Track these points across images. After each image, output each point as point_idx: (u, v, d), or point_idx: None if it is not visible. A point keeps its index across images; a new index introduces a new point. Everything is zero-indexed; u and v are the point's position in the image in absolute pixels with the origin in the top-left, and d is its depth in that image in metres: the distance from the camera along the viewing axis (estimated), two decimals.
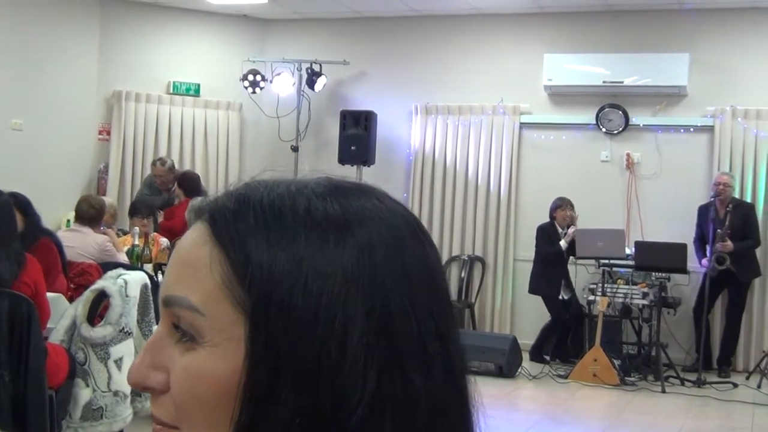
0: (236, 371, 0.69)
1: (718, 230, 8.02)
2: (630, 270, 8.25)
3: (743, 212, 8.23)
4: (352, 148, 9.60)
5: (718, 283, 8.16)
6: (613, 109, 9.18)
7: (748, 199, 8.71)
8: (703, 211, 8.45)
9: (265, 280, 0.70)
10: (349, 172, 9.61)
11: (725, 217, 8.13)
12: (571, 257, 8.54)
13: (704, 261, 8.25)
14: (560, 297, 8.53)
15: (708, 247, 8.12)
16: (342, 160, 9.71)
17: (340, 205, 0.73)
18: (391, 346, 0.70)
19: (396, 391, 0.70)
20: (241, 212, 0.73)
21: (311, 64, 9.90)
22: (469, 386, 0.79)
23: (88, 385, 4.27)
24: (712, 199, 8.24)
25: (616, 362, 7.81)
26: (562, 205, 8.63)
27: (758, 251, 8.55)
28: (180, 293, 0.72)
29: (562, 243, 8.45)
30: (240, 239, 0.71)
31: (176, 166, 9.11)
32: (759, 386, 7.74)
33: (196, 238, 0.74)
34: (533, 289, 8.72)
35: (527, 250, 9.20)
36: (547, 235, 8.60)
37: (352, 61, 9.99)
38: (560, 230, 8.59)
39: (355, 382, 0.69)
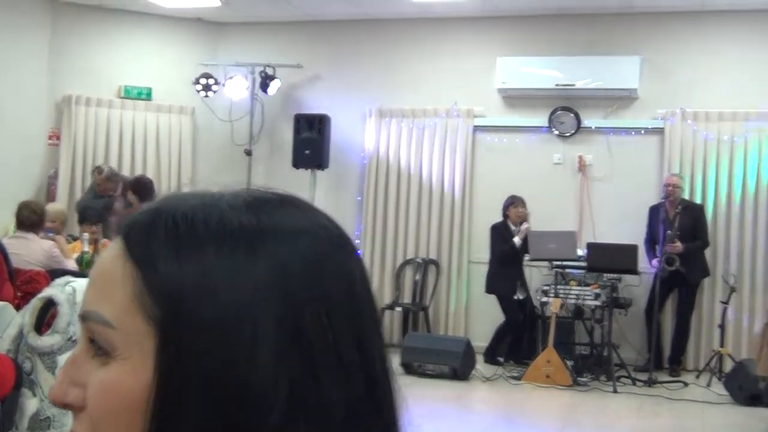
0: (147, 385, 0.69)
1: (669, 231, 8.13)
2: (582, 271, 8.32)
3: (693, 213, 8.35)
4: (306, 151, 9.59)
5: (668, 283, 8.28)
6: (565, 112, 9.27)
7: (698, 201, 8.83)
8: (654, 212, 8.57)
9: (174, 292, 0.69)
10: (303, 176, 9.67)
11: (675, 218, 8.25)
12: (525, 255, 8.59)
13: (654, 262, 8.36)
14: (516, 297, 8.59)
15: (658, 248, 8.23)
16: (296, 164, 9.70)
17: (255, 217, 0.73)
18: (305, 357, 0.70)
19: (310, 402, 0.69)
20: (153, 226, 0.72)
21: (264, 68, 9.87)
22: (395, 395, 0.77)
23: (35, 395, 4.20)
24: (663, 200, 8.36)
25: (569, 363, 7.87)
26: (514, 202, 8.69)
27: (707, 252, 8.70)
28: (93, 308, 0.72)
29: (516, 240, 8.51)
30: (150, 253, 0.71)
31: (129, 172, 9.04)
32: (709, 385, 7.85)
33: (112, 253, 0.74)
34: (489, 289, 8.76)
35: (481, 252, 9.25)
36: (500, 233, 8.66)
37: (306, 64, 9.98)
38: (513, 228, 8.66)
39: (266, 394, 0.68)
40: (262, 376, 0.68)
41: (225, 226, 0.72)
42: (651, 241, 8.54)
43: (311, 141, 9.58)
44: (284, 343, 0.69)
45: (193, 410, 0.68)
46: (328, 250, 0.76)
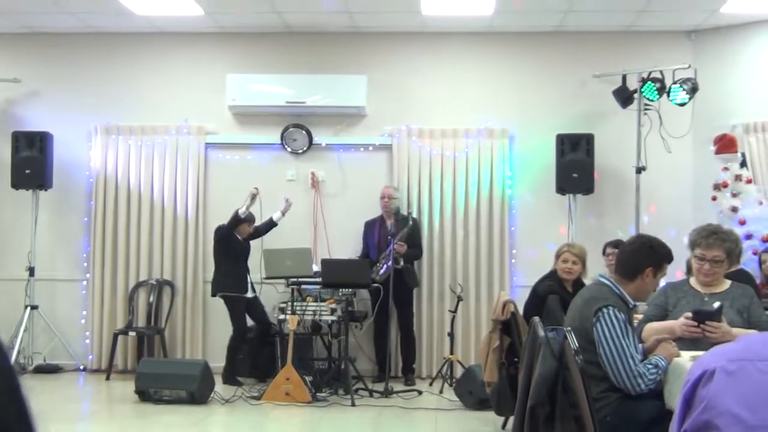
0: None
1: (401, 231, 8.44)
2: (318, 287, 8.40)
3: (411, 223, 8.67)
4: (27, 171, 9.05)
5: (391, 291, 8.52)
6: (297, 129, 9.34)
7: (425, 213, 9.21)
8: (369, 226, 8.95)
9: None
10: (24, 197, 9.09)
11: (394, 227, 8.60)
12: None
13: (383, 270, 8.61)
14: (248, 295, 8.57)
15: (375, 256, 8.68)
16: (16, 185, 9.13)
17: None
18: None
19: None
20: None
21: None
22: None
23: None
24: (380, 215, 8.77)
25: (308, 379, 7.92)
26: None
27: (435, 261, 9.13)
28: None
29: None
30: None
31: None
32: (441, 392, 8.18)
33: None
34: (219, 288, 8.65)
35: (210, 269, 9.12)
36: (223, 234, 8.68)
37: (24, 79, 9.42)
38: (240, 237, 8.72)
39: None
40: None
41: None
42: (365, 255, 8.84)
43: (32, 160, 9.05)
44: None
45: None
46: None
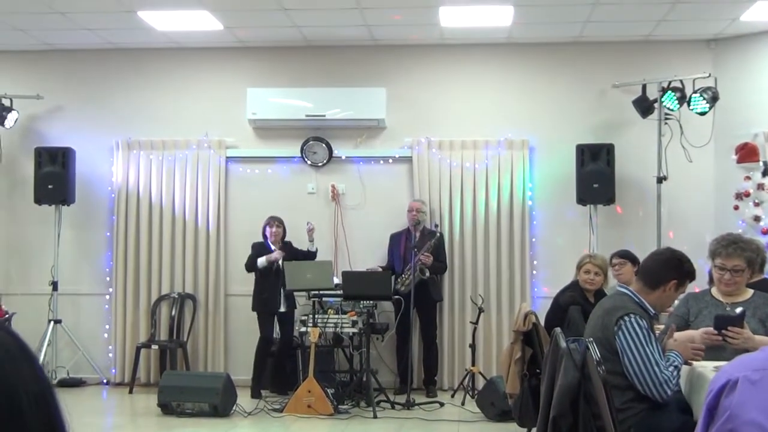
0: None
1: (427, 243, 8.45)
2: (339, 299, 8.41)
3: (436, 238, 8.68)
4: (50, 186, 9.13)
5: (414, 304, 8.53)
6: (317, 142, 9.37)
7: (446, 225, 9.21)
8: (394, 239, 8.95)
9: None
10: (47, 212, 9.17)
11: (420, 240, 8.60)
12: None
13: (402, 277, 8.63)
14: (280, 310, 8.62)
15: (400, 268, 8.67)
16: (38, 200, 9.21)
17: None
18: None
19: None
20: None
21: (0, 99, 9.29)
22: None
23: None
24: (408, 226, 8.75)
25: (330, 391, 7.92)
26: (270, 222, 8.73)
27: (456, 273, 9.13)
28: None
29: (262, 259, 8.60)
30: None
31: None
32: (463, 403, 8.16)
33: None
34: (254, 306, 8.77)
35: (238, 284, 9.16)
36: (257, 251, 8.70)
37: (47, 95, 9.50)
38: (273, 246, 8.72)
39: None
40: None
41: None
42: (390, 267, 8.84)
43: (54, 175, 9.12)
44: None
45: None
46: None
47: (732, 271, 4.70)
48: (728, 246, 4.74)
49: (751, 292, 4.82)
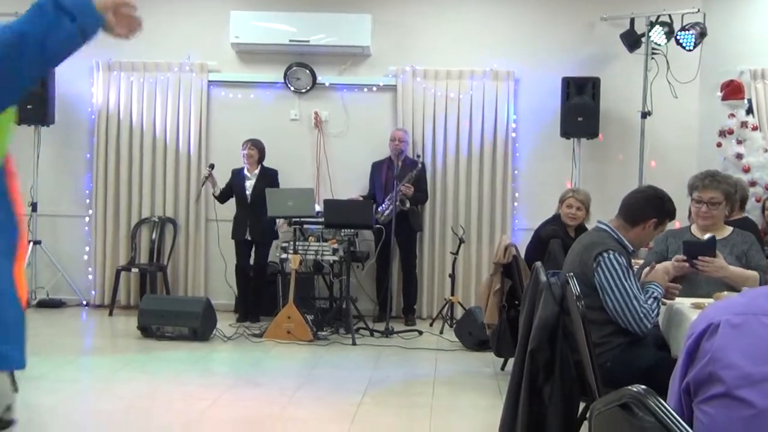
0: None
1: (409, 174, 8.41)
2: (320, 227, 8.42)
3: (418, 167, 8.62)
4: (29, 107, 9.01)
5: (395, 233, 8.54)
6: (300, 68, 9.27)
7: (429, 155, 9.18)
8: (376, 167, 8.92)
9: None
10: (26, 133, 9.09)
11: (402, 170, 8.56)
12: None
13: (381, 207, 8.62)
14: (246, 238, 8.67)
15: (383, 200, 8.57)
16: (18, 120, 9.03)
17: None
18: None
19: None
20: None
21: None
22: None
23: None
24: (388, 156, 8.71)
25: (309, 318, 7.97)
26: (243, 144, 8.78)
27: (437, 204, 9.14)
28: None
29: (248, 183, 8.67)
30: None
31: None
32: (441, 332, 8.25)
33: None
34: (233, 234, 8.84)
35: (218, 209, 9.12)
36: (233, 176, 8.78)
37: (23, 13, 9.27)
38: (247, 173, 8.70)
39: None
40: None
41: None
42: (371, 195, 8.83)
43: (33, 96, 8.98)
44: None
45: None
46: None
47: (709, 204, 4.74)
48: (705, 179, 4.78)
49: (730, 229, 4.85)
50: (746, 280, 4.45)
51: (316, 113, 9.38)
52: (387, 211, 8.53)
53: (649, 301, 4.04)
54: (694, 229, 4.92)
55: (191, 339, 7.65)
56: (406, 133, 8.94)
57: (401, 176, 8.49)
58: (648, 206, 4.26)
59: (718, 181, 4.78)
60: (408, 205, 8.57)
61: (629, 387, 1.59)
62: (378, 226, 8.49)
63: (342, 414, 5.42)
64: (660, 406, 1.49)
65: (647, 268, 4.39)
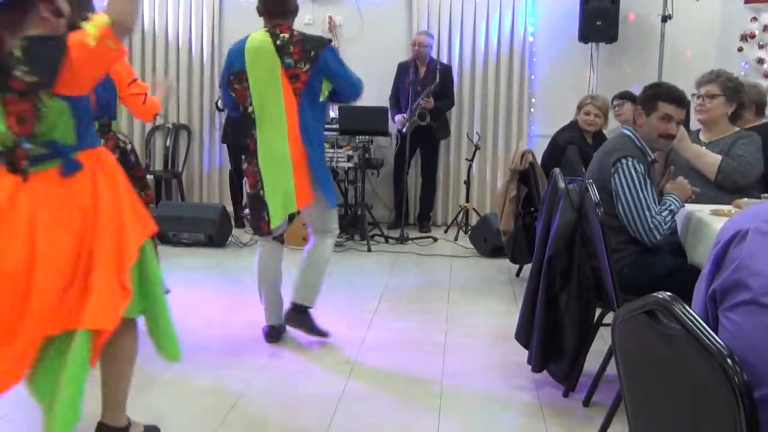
0: None
1: (429, 87, 8.30)
2: (335, 134, 8.36)
3: (440, 73, 8.51)
4: None
5: (414, 142, 8.47)
6: None
7: (446, 59, 9.03)
8: (402, 69, 8.72)
9: None
10: None
11: (424, 76, 8.43)
12: None
13: (398, 117, 8.53)
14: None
15: (407, 104, 8.39)
16: None
17: None
18: None
19: None
20: None
21: None
22: None
23: None
24: (413, 59, 8.53)
25: None
26: None
27: (453, 109, 9.03)
28: None
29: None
30: None
31: None
32: (456, 239, 8.27)
33: None
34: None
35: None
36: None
37: None
38: None
39: None
40: None
41: None
42: (396, 97, 8.71)
43: None
44: None
45: None
46: None
47: (705, 97, 4.69)
48: (705, 74, 4.74)
49: (734, 130, 4.77)
50: (699, 157, 4.57)
51: (330, 17, 9.22)
52: (405, 127, 8.39)
53: (664, 213, 4.00)
54: (701, 134, 4.87)
55: (207, 245, 7.70)
56: (430, 36, 8.72)
57: (424, 82, 8.34)
58: (653, 93, 4.20)
59: (717, 74, 4.72)
60: (428, 119, 8.42)
61: (654, 294, 1.57)
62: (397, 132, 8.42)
63: (358, 321, 5.46)
64: (686, 312, 1.47)
65: (665, 177, 4.37)
